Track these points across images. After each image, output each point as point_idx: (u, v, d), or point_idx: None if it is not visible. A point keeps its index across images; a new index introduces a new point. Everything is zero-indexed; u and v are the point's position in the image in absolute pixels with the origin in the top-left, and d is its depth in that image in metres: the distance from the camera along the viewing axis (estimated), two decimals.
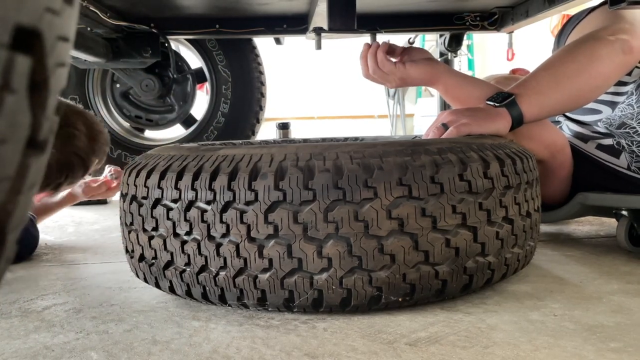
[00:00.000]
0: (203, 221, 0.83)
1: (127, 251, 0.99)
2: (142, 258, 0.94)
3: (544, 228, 1.58)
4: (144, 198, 0.89)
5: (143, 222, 0.90)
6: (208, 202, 0.83)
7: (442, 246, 0.83)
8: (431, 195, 0.82)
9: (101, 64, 2.22)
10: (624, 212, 1.23)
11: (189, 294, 0.90)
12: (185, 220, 0.85)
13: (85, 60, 1.92)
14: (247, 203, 0.81)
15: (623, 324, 0.83)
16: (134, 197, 0.92)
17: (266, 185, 0.80)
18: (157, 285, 0.94)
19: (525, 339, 0.78)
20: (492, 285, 0.97)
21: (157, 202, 0.88)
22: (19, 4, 0.22)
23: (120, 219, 0.99)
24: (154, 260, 0.90)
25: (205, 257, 0.85)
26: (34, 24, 0.24)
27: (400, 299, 0.84)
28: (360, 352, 0.75)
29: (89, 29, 1.75)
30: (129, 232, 0.94)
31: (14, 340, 0.84)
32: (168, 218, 0.86)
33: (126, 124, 2.73)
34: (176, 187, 0.85)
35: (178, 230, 0.86)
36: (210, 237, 0.84)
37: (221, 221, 0.82)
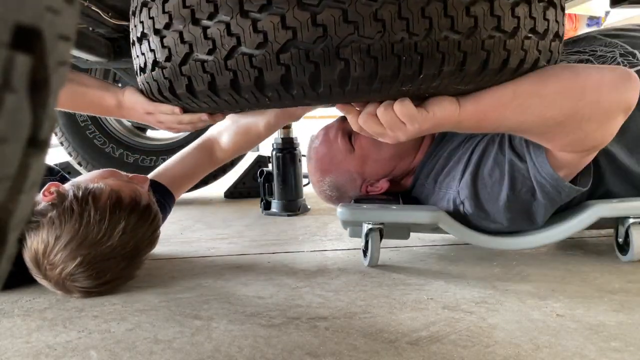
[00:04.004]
0: None
1: (154, 66, 0.88)
2: (186, 59, 0.83)
3: None
4: None
5: (193, 14, 0.79)
6: None
7: None
8: None
9: (103, 63, 2.22)
10: None
11: (260, 81, 0.79)
12: None
13: (87, 60, 1.92)
14: None
15: (625, 323, 0.83)
16: None
17: None
18: (212, 85, 0.83)
19: (526, 338, 0.78)
20: None
21: None
22: (19, 3, 0.22)
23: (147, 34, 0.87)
24: (208, 56, 0.80)
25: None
26: (35, 23, 0.24)
27: None
28: (362, 351, 0.76)
29: (90, 28, 1.75)
30: (162, 38, 0.84)
31: (16, 339, 0.84)
32: None
33: (128, 124, 2.73)
34: None
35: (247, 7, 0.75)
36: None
37: None
